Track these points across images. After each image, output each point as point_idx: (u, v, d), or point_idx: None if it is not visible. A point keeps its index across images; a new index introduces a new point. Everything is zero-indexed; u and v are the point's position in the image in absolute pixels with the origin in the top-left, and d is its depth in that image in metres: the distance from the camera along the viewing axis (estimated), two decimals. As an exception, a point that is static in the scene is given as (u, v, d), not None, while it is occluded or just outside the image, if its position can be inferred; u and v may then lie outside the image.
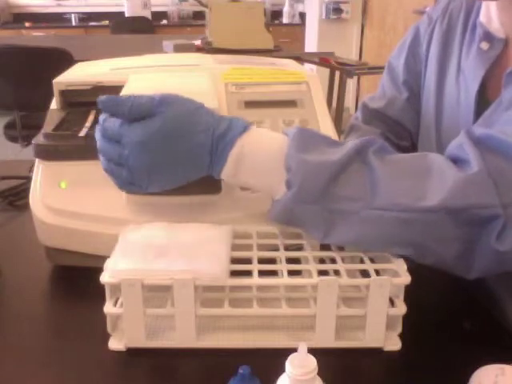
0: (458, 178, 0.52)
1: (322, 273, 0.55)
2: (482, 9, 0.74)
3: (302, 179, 0.53)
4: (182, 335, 0.55)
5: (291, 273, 0.56)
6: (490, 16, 0.72)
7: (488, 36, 0.72)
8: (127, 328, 0.55)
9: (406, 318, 0.56)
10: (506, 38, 0.71)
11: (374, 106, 0.92)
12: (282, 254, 0.59)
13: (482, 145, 0.54)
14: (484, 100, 0.71)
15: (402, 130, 0.90)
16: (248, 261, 0.57)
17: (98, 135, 0.57)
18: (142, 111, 0.54)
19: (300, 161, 0.54)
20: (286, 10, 5.74)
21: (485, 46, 0.72)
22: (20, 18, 5.75)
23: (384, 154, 0.56)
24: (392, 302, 0.56)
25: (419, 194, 0.52)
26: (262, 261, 0.57)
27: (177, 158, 0.56)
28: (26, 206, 0.72)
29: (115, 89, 0.68)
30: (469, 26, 0.77)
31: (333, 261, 0.60)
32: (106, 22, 5.65)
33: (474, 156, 0.53)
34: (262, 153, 0.56)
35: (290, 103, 0.74)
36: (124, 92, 0.67)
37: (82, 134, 0.68)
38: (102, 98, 0.55)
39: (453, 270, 0.56)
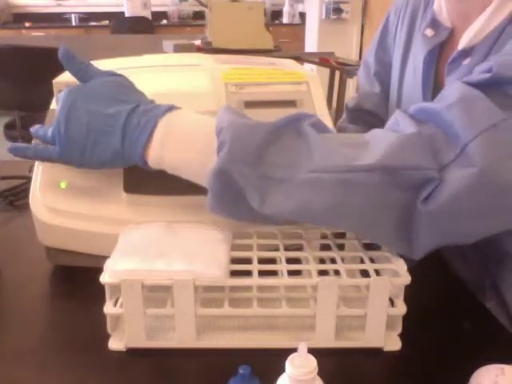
0: (395, 138, 0.52)
1: (322, 273, 0.55)
2: None
3: (234, 135, 0.52)
4: (182, 335, 0.55)
5: (291, 273, 0.56)
6: (440, 5, 0.73)
7: (434, 23, 0.73)
8: (127, 328, 0.55)
9: (406, 318, 0.56)
10: (453, 27, 0.71)
11: (353, 104, 0.93)
12: (281, 254, 0.59)
13: (415, 118, 0.54)
14: (437, 89, 0.72)
15: (380, 125, 0.89)
16: (248, 261, 0.57)
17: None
18: (89, 72, 0.59)
19: (232, 120, 0.53)
20: (285, 9, 5.74)
21: (429, 32, 0.73)
22: (20, 17, 5.75)
23: (319, 129, 0.55)
24: (392, 302, 0.56)
25: (356, 157, 0.51)
26: (261, 261, 0.57)
27: (95, 125, 0.56)
28: (25, 206, 0.72)
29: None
30: (425, 16, 0.78)
31: (333, 261, 0.60)
32: (106, 22, 5.65)
33: (410, 123, 0.53)
34: (190, 125, 0.55)
35: (290, 103, 0.74)
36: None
37: (82, 134, 0.68)
38: (62, 50, 0.59)
39: (396, 247, 0.55)
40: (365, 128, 0.89)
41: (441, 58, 0.73)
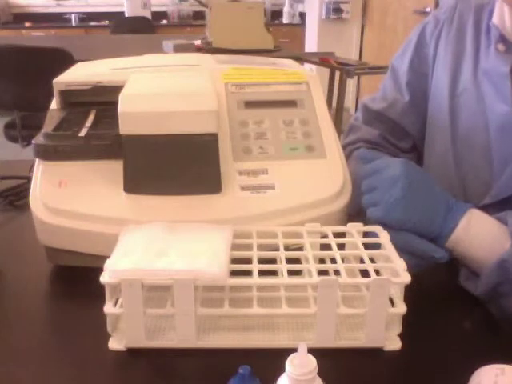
0: None
1: (322, 273, 0.55)
2: (496, 11, 0.75)
3: None
4: (182, 335, 0.55)
5: (291, 273, 0.56)
6: (503, 19, 0.73)
7: (503, 39, 0.73)
8: (127, 328, 0.55)
9: (406, 318, 0.56)
10: None
11: (375, 108, 0.91)
12: (282, 254, 0.59)
13: None
14: None
15: (401, 132, 0.89)
16: (248, 261, 0.57)
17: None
18: None
19: None
20: (285, 9, 5.74)
21: (501, 47, 0.74)
22: (20, 17, 5.75)
23: None
24: (392, 302, 0.56)
25: None
26: (261, 261, 0.57)
27: (421, 196, 0.65)
28: (25, 206, 0.72)
29: (115, 89, 0.68)
30: (482, 28, 0.77)
31: (333, 261, 0.60)
32: (106, 22, 5.65)
33: None
34: (488, 221, 0.65)
35: (290, 103, 0.74)
36: (124, 92, 0.67)
37: (82, 134, 0.68)
38: None
39: None
40: (380, 131, 0.89)
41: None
